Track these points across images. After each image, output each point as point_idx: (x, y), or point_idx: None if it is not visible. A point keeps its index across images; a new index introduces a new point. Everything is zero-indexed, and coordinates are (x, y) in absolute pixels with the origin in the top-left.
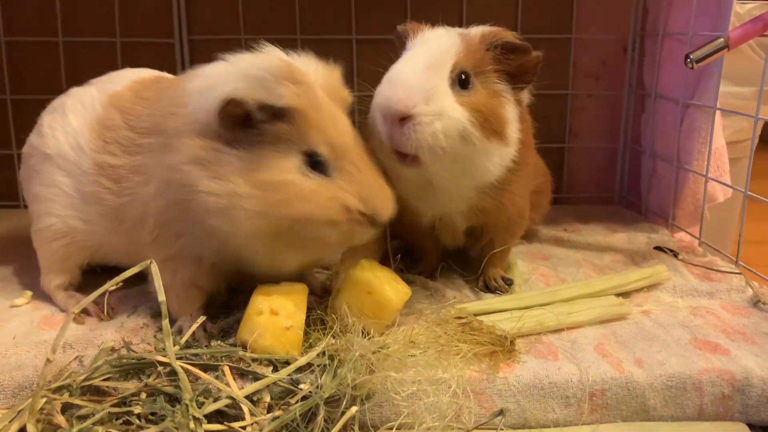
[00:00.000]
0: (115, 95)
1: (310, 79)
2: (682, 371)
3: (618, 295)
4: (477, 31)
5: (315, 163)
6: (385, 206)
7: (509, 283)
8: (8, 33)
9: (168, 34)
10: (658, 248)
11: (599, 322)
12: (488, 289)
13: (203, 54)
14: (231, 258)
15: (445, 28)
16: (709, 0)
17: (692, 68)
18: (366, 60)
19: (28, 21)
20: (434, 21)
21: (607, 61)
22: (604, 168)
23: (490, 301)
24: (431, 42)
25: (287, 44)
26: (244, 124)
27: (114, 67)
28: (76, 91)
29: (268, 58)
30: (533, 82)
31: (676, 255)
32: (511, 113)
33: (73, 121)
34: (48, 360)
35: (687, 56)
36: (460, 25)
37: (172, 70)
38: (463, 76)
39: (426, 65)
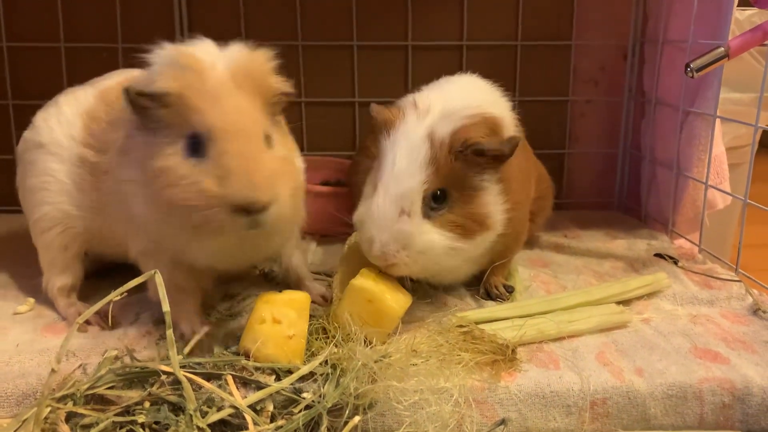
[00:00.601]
0: (106, 89)
1: (201, 64)
2: (682, 380)
3: (618, 302)
4: (445, 131)
5: (196, 147)
6: (243, 190)
7: (510, 290)
8: (10, 38)
9: (169, 40)
10: (659, 255)
11: (600, 330)
12: (489, 296)
13: None
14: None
15: (417, 119)
16: (709, 7)
17: (692, 77)
18: (367, 66)
19: (29, 26)
20: (435, 31)
21: (607, 67)
22: (604, 174)
23: (491, 309)
24: (401, 162)
25: (289, 50)
26: (145, 113)
27: None
28: (71, 89)
29: (167, 47)
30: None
31: (676, 262)
32: (493, 199)
33: (67, 111)
34: (53, 370)
35: (687, 65)
36: (462, 35)
37: None
38: (438, 193)
39: (398, 198)
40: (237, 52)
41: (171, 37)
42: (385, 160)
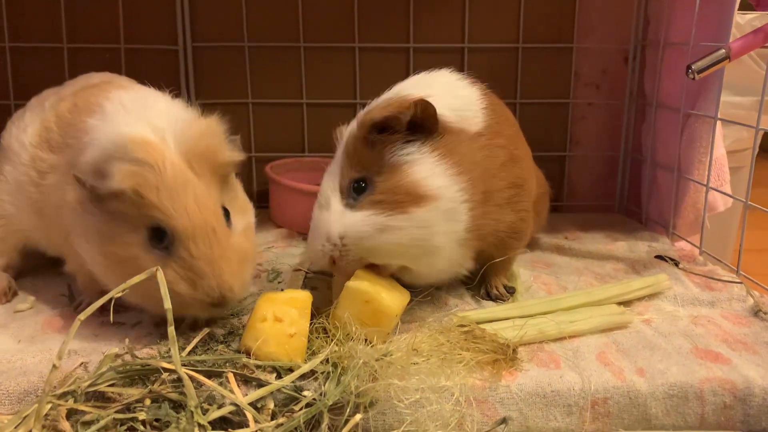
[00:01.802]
0: (59, 99)
1: (155, 155)
2: (683, 380)
3: (619, 303)
4: (353, 123)
5: (160, 238)
6: (216, 291)
7: (511, 291)
8: (13, 39)
9: (172, 41)
10: (659, 257)
11: (601, 330)
12: (490, 297)
13: (206, 61)
14: None
15: (355, 120)
16: (710, 10)
17: (694, 79)
18: (368, 68)
19: (32, 27)
20: (436, 33)
21: (608, 70)
22: (605, 176)
23: (492, 309)
24: (332, 163)
25: (290, 52)
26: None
27: (118, 74)
28: (47, 91)
29: (122, 131)
30: (438, 123)
31: (677, 264)
32: (425, 168)
33: (27, 118)
34: (54, 366)
35: (689, 67)
36: (463, 38)
37: (176, 77)
38: (360, 184)
39: (322, 197)
40: (187, 129)
41: (173, 39)
42: None
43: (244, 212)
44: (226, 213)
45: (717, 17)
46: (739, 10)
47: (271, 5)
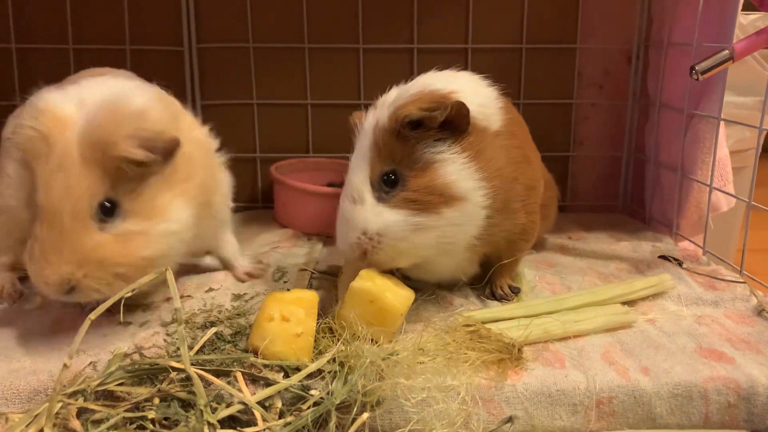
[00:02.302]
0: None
1: (51, 127)
2: (687, 379)
3: (623, 303)
4: (386, 115)
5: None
6: (35, 278)
7: (516, 291)
8: (19, 40)
9: (177, 42)
10: (663, 257)
11: (605, 330)
12: (495, 297)
13: (212, 62)
14: None
15: (372, 114)
16: (713, 11)
17: (697, 79)
18: (372, 68)
19: (39, 28)
20: (440, 34)
21: (611, 71)
22: (608, 176)
23: (497, 309)
24: (355, 153)
25: (295, 53)
26: None
27: None
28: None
29: (42, 98)
30: (469, 124)
31: (680, 264)
32: (455, 169)
33: (23, 112)
34: (65, 365)
35: (692, 68)
36: (467, 38)
37: (181, 78)
38: (388, 176)
39: (354, 190)
40: (98, 114)
41: (179, 40)
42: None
43: (152, 218)
44: (111, 209)
45: (720, 18)
46: (742, 10)
47: (275, 6)
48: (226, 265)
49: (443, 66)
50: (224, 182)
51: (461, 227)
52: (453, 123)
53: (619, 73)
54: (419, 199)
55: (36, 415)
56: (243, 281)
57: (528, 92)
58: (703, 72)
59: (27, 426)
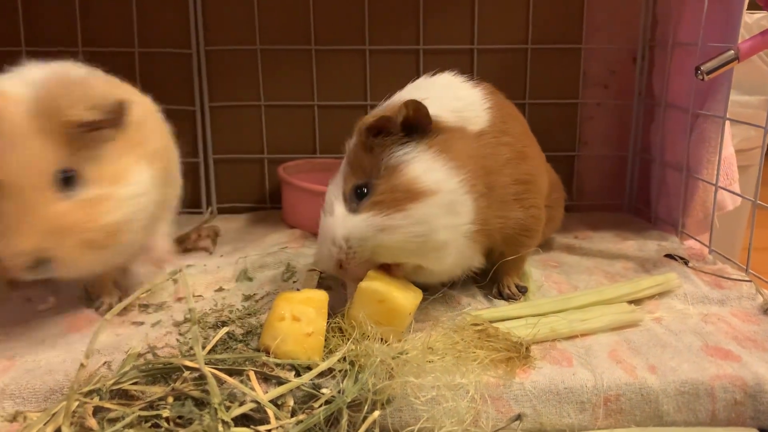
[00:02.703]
0: None
1: (2, 107)
2: (694, 377)
3: (630, 302)
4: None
5: None
6: (4, 253)
7: (523, 290)
8: (29, 43)
9: (185, 45)
10: (669, 256)
11: (612, 328)
12: (502, 296)
13: (220, 64)
14: None
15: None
16: (718, 10)
17: (703, 80)
18: (379, 69)
19: (48, 31)
20: (446, 35)
21: (617, 71)
22: (614, 176)
23: (505, 308)
24: (336, 175)
25: (302, 54)
26: None
27: (132, 77)
28: None
29: None
30: (431, 122)
31: (686, 263)
32: (420, 166)
33: None
34: (81, 365)
35: (698, 68)
36: (473, 39)
37: (189, 80)
38: (360, 189)
39: (326, 204)
40: (50, 85)
41: (187, 43)
42: None
43: (115, 183)
44: (72, 177)
45: (725, 17)
46: (747, 10)
47: (282, 9)
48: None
49: (448, 67)
50: (173, 161)
51: (438, 220)
52: (414, 124)
53: (625, 72)
54: (384, 200)
55: (53, 414)
56: (159, 266)
57: (533, 92)
58: (709, 72)
59: (45, 424)
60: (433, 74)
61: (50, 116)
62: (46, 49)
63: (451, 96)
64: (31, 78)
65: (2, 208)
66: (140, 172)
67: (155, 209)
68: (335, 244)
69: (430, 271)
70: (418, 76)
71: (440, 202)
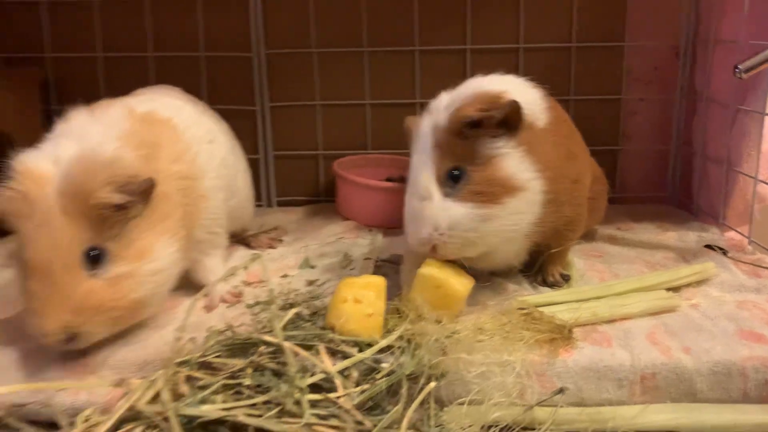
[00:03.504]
0: None
1: (30, 186)
2: (727, 358)
3: (668, 289)
4: (444, 117)
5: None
6: (36, 332)
7: (567, 278)
8: (106, 49)
9: (246, 49)
10: (708, 246)
11: (650, 313)
12: (546, 284)
13: (279, 66)
14: None
15: (427, 117)
16: (760, 8)
17: (741, 78)
18: (427, 69)
19: (121, 38)
20: (492, 35)
21: (660, 67)
22: (657, 169)
23: (549, 294)
24: (416, 155)
25: (355, 56)
26: None
27: (197, 80)
28: None
29: (20, 159)
30: (522, 122)
31: (725, 253)
32: (514, 162)
33: None
34: (177, 338)
35: (736, 67)
36: (518, 38)
37: (250, 81)
38: (453, 173)
39: (417, 190)
40: (72, 165)
41: (248, 47)
42: (411, 162)
43: (139, 259)
44: (99, 256)
45: (766, 15)
46: None
47: (337, 14)
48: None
49: (494, 65)
50: (206, 210)
51: (523, 215)
52: (508, 121)
53: (668, 68)
54: (484, 191)
55: (153, 380)
56: (210, 310)
57: (577, 89)
58: (747, 71)
59: (146, 390)
60: (488, 74)
61: (78, 197)
62: (120, 54)
63: (523, 92)
64: (60, 155)
65: (32, 287)
66: (164, 246)
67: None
68: (437, 230)
69: (486, 259)
70: (465, 75)
71: (527, 199)
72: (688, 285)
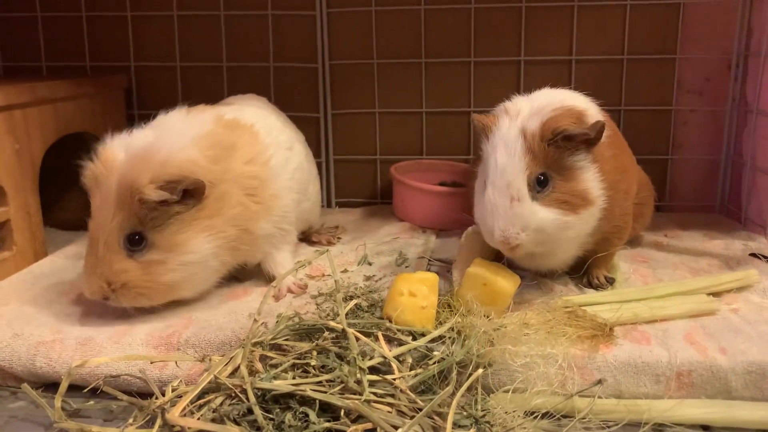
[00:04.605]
0: None
1: (103, 169)
2: (762, 359)
3: (710, 294)
4: (535, 125)
5: None
6: (81, 285)
7: (611, 281)
8: (182, 60)
9: (312, 60)
10: (753, 255)
11: (689, 316)
12: (591, 285)
13: (342, 76)
14: None
15: (509, 120)
16: None
17: None
18: (482, 79)
19: (197, 50)
20: (545, 47)
21: (711, 78)
22: (706, 179)
23: (593, 295)
24: (502, 158)
25: (413, 66)
26: None
27: (267, 89)
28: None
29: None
30: (600, 139)
31: None
32: (590, 176)
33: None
34: (255, 320)
35: None
36: (571, 50)
37: (315, 90)
38: (541, 178)
39: (506, 188)
40: (131, 158)
41: (313, 58)
42: (489, 160)
43: (173, 250)
44: (139, 240)
45: None
46: None
47: (397, 27)
48: (270, 281)
49: (547, 77)
50: (278, 208)
51: (587, 225)
52: (593, 140)
53: (719, 80)
54: (568, 200)
55: (231, 358)
56: (278, 299)
57: (628, 99)
58: None
59: (225, 365)
60: (554, 86)
61: (128, 190)
62: (196, 63)
63: (592, 109)
64: (131, 146)
65: (87, 253)
66: (201, 242)
67: (242, 256)
68: (525, 231)
69: (538, 261)
70: (518, 86)
71: (594, 212)
72: (730, 291)
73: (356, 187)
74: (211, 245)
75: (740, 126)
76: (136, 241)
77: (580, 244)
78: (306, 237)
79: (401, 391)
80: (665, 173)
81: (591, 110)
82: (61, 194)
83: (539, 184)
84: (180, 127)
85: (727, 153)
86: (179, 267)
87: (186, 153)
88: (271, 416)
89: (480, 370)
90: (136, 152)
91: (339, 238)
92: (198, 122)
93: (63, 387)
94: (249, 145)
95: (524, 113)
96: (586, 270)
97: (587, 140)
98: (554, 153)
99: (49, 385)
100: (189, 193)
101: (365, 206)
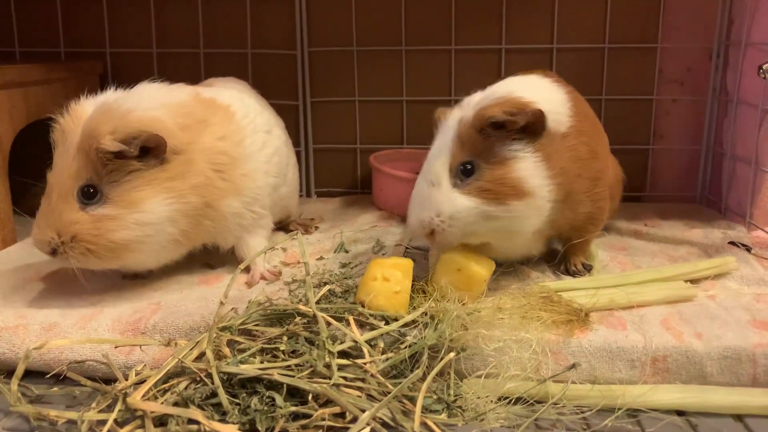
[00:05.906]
0: None
1: (69, 121)
2: (737, 344)
3: (687, 281)
4: (470, 113)
5: None
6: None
7: (589, 268)
8: (159, 45)
9: (291, 47)
10: (732, 243)
11: (666, 302)
12: (569, 273)
13: (321, 63)
14: None
15: (457, 111)
16: None
17: (765, 78)
18: (463, 68)
19: (175, 35)
20: (527, 35)
21: (692, 68)
22: (687, 169)
23: (569, 281)
24: (437, 143)
25: (393, 54)
26: None
27: (245, 75)
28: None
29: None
30: (544, 130)
31: (748, 249)
32: (528, 166)
33: None
34: (221, 303)
35: (760, 67)
36: (552, 39)
37: (294, 77)
38: (466, 166)
39: (427, 175)
40: (95, 110)
41: (292, 44)
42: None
43: (127, 207)
44: (93, 193)
45: None
46: None
47: (377, 14)
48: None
49: (529, 65)
50: (250, 189)
51: (526, 219)
52: (530, 127)
53: (700, 70)
54: (492, 189)
55: (197, 342)
56: (251, 286)
57: (610, 89)
58: None
59: (191, 349)
60: (526, 75)
61: (87, 139)
62: (173, 50)
63: (549, 99)
64: (102, 101)
65: (42, 203)
66: (158, 203)
67: (202, 235)
68: (439, 216)
69: (492, 250)
70: (499, 74)
71: (533, 204)
72: (708, 278)
73: (336, 176)
74: (168, 208)
75: (721, 116)
76: (90, 194)
77: (539, 234)
78: (284, 226)
79: (371, 375)
80: (646, 164)
81: (545, 101)
82: (35, 182)
83: (464, 173)
84: (154, 93)
85: (707, 143)
86: (132, 225)
87: (153, 113)
88: (237, 401)
89: (451, 354)
90: (102, 106)
91: (317, 227)
92: (175, 93)
93: (20, 370)
94: (222, 124)
95: (472, 103)
96: (563, 257)
97: (527, 129)
98: (486, 142)
99: (12, 372)
100: (150, 152)
101: (345, 196)
